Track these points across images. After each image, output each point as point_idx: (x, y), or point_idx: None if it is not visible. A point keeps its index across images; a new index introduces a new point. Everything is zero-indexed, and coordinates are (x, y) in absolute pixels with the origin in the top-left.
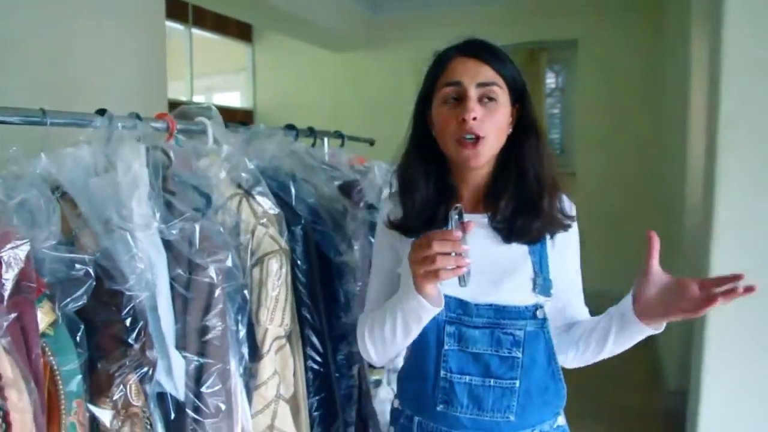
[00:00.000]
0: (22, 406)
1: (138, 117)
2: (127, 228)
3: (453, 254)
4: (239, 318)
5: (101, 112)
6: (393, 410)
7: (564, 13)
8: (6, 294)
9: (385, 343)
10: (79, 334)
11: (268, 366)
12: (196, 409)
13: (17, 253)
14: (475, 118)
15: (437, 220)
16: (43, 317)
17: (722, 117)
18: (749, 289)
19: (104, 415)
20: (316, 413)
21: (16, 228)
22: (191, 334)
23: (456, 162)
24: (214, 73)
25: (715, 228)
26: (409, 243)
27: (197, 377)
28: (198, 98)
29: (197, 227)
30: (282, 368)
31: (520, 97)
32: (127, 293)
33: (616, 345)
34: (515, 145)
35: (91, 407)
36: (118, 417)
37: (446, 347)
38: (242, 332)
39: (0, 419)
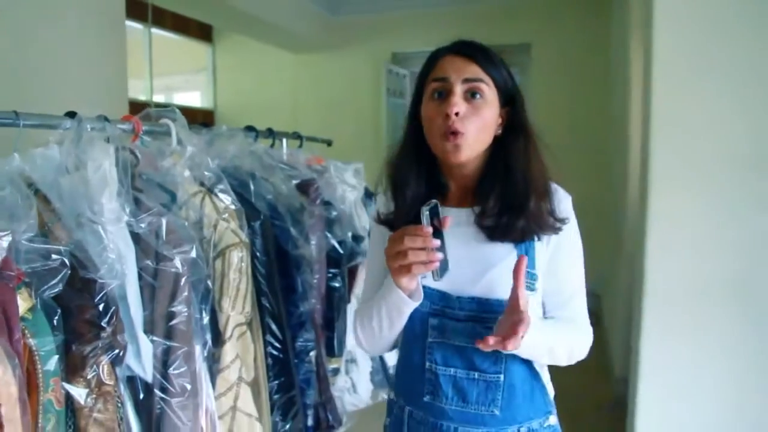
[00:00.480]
0: (7, 380)
1: (106, 119)
2: (98, 222)
3: (426, 249)
4: (203, 306)
5: (71, 114)
6: (389, 401)
7: (518, 18)
8: None
9: (373, 334)
10: (56, 318)
11: (230, 351)
12: (164, 389)
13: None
14: (457, 113)
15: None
16: (22, 303)
17: (654, 116)
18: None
19: (79, 393)
20: (276, 396)
21: None
22: (158, 320)
23: (439, 156)
24: (174, 73)
25: (648, 222)
26: None
27: (164, 360)
28: (158, 98)
29: (164, 221)
30: (243, 353)
31: (511, 100)
32: (99, 281)
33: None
34: (504, 146)
35: (67, 386)
36: (91, 395)
37: (430, 339)
38: (206, 319)
39: None
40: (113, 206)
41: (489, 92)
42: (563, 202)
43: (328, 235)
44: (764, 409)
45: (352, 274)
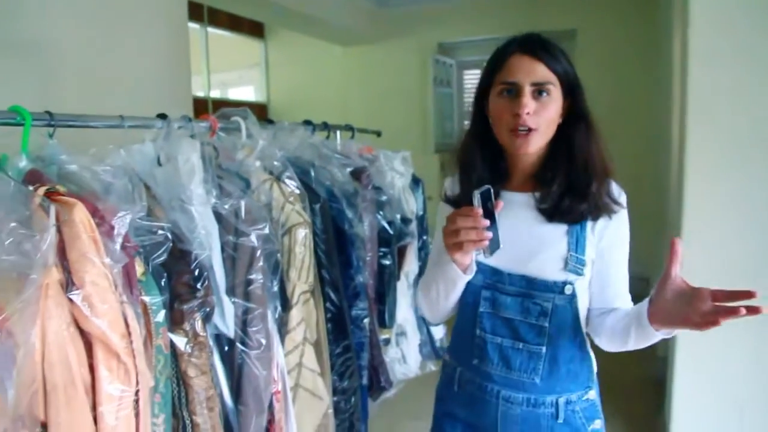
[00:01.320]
0: (135, 324)
1: (189, 119)
2: (189, 204)
3: (475, 228)
4: (273, 276)
5: (162, 116)
6: (444, 363)
7: (563, 4)
8: (118, 248)
9: (431, 303)
10: (162, 280)
11: (296, 315)
12: (244, 344)
13: (123, 221)
14: (528, 113)
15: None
16: (138, 268)
17: (690, 101)
18: (754, 310)
19: (180, 341)
20: (334, 357)
21: (118, 204)
22: (238, 286)
23: (508, 150)
24: (229, 69)
25: (685, 202)
26: None
27: (243, 319)
28: (214, 93)
29: (242, 204)
30: (307, 317)
31: (572, 90)
32: (193, 252)
33: (638, 342)
34: (566, 134)
35: (171, 335)
36: (189, 343)
37: (481, 309)
38: (275, 287)
39: (125, 329)
40: (200, 192)
41: (554, 90)
42: (620, 197)
43: (379, 216)
44: None
45: (401, 253)
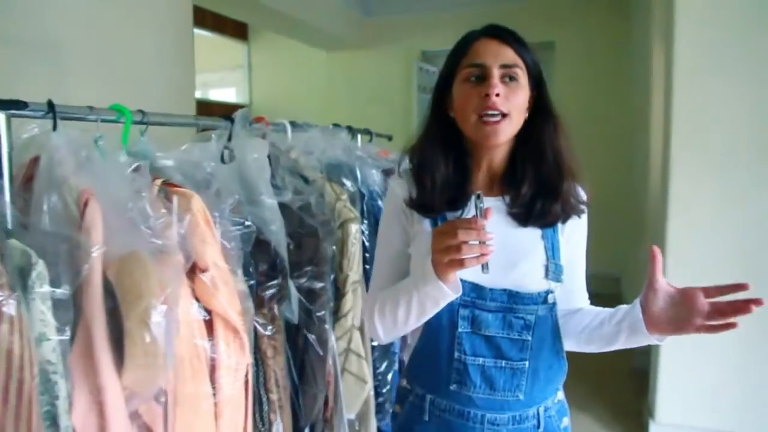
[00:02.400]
0: (248, 305)
1: (250, 122)
2: (262, 199)
3: (478, 243)
4: (330, 266)
5: (227, 117)
6: (400, 389)
7: (541, 17)
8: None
9: (396, 323)
10: (250, 268)
11: (347, 303)
12: (307, 327)
13: (222, 212)
14: (498, 95)
15: (459, 201)
16: None
17: (675, 112)
18: (756, 302)
19: (261, 322)
20: (374, 344)
21: (214, 197)
22: (303, 275)
23: (475, 140)
24: (210, 70)
25: (669, 204)
26: (422, 223)
27: (307, 305)
28: (196, 94)
29: (311, 199)
30: (356, 305)
31: (538, 84)
32: (271, 243)
33: (625, 345)
34: (534, 130)
35: (255, 318)
36: (268, 325)
37: (460, 329)
38: (331, 276)
39: (241, 307)
40: (269, 188)
41: (522, 76)
42: (580, 189)
43: None
44: (763, 367)
45: None
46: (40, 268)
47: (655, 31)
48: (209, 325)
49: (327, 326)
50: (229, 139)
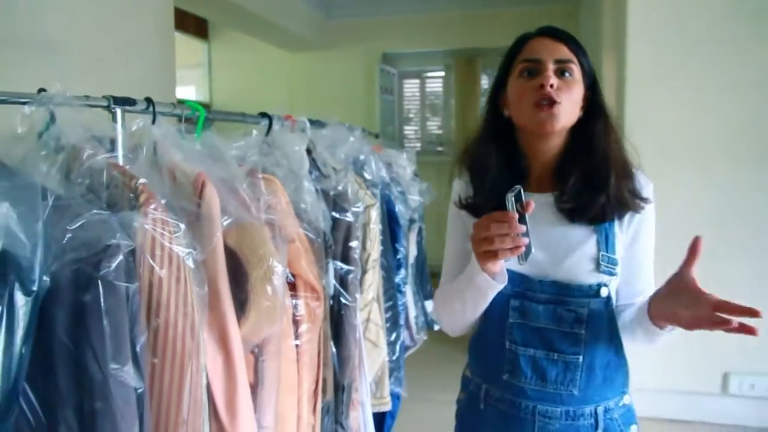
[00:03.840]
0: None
1: (283, 119)
2: (309, 186)
3: (511, 234)
4: (360, 245)
5: (264, 114)
6: (464, 378)
7: (497, 24)
8: None
9: (455, 316)
10: None
11: (369, 278)
12: (344, 298)
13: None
14: (552, 86)
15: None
16: None
17: (627, 118)
18: (748, 331)
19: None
20: (387, 314)
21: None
22: (339, 253)
23: (530, 130)
24: None
25: None
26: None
27: (343, 279)
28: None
29: (348, 187)
30: (374, 280)
31: (591, 83)
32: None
33: (645, 340)
34: (585, 128)
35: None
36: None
37: (510, 320)
38: (358, 253)
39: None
40: (309, 177)
41: (577, 71)
42: (645, 187)
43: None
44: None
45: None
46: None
47: (604, 37)
48: (292, 286)
49: (358, 296)
50: (267, 133)
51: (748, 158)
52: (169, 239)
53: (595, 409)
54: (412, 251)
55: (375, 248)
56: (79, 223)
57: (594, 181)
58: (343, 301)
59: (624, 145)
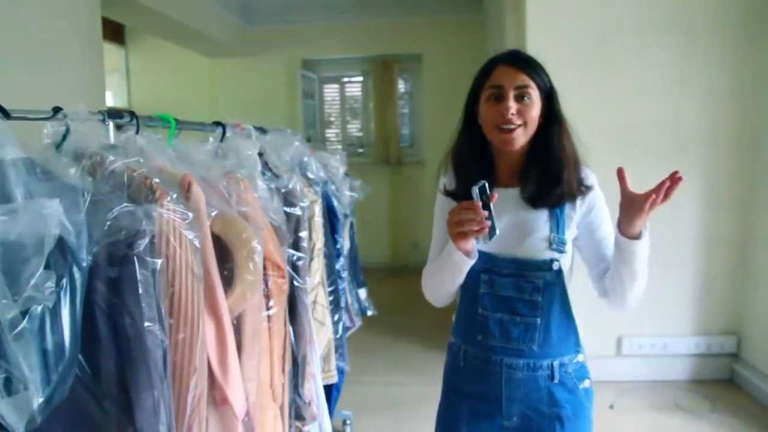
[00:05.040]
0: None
1: (232, 126)
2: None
3: (476, 219)
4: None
5: (217, 123)
6: (449, 343)
7: (411, 32)
8: None
9: (437, 287)
10: None
11: (315, 264)
12: (296, 281)
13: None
14: (513, 114)
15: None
16: None
17: None
18: (676, 178)
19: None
20: (330, 297)
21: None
22: (290, 242)
23: (496, 145)
24: None
25: None
26: None
27: (295, 264)
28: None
29: (297, 186)
30: (319, 267)
31: (548, 96)
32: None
33: (628, 271)
34: (544, 132)
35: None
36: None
37: (481, 291)
38: (306, 243)
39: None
40: (261, 177)
41: (534, 94)
42: (590, 177)
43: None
44: None
45: None
46: None
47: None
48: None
49: (307, 280)
50: (221, 139)
51: (642, 154)
52: (180, 225)
53: (552, 363)
54: (346, 244)
55: (319, 239)
56: (114, 214)
57: (551, 176)
58: (296, 283)
59: (575, 144)
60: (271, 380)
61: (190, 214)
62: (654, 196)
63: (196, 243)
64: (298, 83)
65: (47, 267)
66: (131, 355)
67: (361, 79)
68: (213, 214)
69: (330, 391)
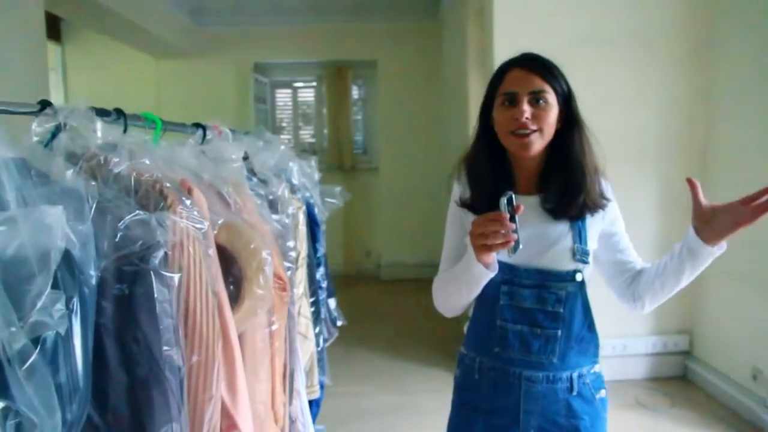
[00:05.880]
0: None
1: (209, 128)
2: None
3: (502, 231)
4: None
5: (197, 125)
6: (460, 355)
7: (365, 38)
8: None
9: (451, 298)
10: None
11: (299, 275)
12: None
13: None
14: (527, 118)
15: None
16: None
17: None
18: None
19: None
20: (311, 308)
21: None
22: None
23: (512, 152)
24: None
25: None
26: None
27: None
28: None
29: (286, 192)
30: (304, 277)
31: (567, 99)
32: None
33: (690, 277)
34: (563, 138)
35: None
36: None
37: (501, 302)
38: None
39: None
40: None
41: (550, 98)
42: (606, 187)
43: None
44: None
45: None
46: None
47: (470, 51)
48: None
49: (294, 291)
50: (202, 142)
51: (605, 162)
52: (196, 235)
53: (571, 375)
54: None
55: (304, 247)
56: (126, 223)
57: (572, 185)
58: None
59: (594, 149)
60: (273, 401)
61: (206, 223)
62: (759, 207)
63: (211, 253)
64: (251, 87)
65: (54, 286)
66: (147, 385)
67: (314, 84)
68: (219, 222)
69: (309, 407)
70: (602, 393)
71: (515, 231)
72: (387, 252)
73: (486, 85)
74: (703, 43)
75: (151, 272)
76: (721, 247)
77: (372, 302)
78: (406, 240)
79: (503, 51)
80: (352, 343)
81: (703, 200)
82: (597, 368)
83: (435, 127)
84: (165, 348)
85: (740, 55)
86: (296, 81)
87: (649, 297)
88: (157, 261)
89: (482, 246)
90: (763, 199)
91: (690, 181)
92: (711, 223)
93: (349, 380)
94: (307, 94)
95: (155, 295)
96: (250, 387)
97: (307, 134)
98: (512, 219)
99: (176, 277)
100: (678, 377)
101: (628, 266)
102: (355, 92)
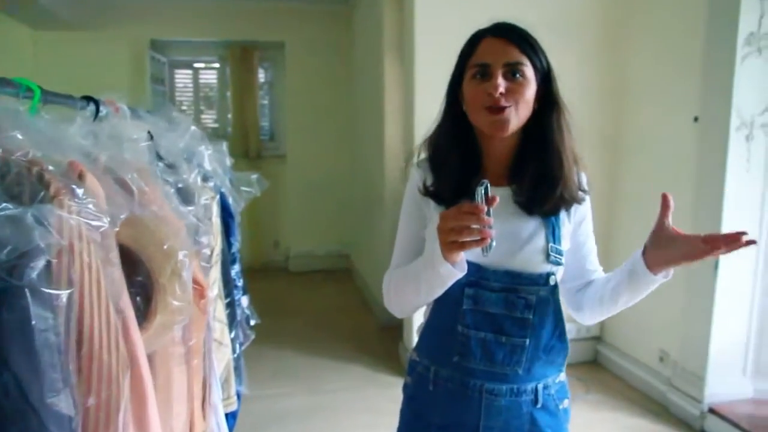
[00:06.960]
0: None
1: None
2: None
3: (478, 227)
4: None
5: (88, 98)
6: (410, 362)
7: (272, 18)
8: None
9: (407, 299)
10: None
11: (213, 274)
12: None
13: None
14: (501, 93)
15: (466, 191)
16: None
17: (416, 119)
18: (751, 242)
19: None
20: (226, 310)
21: None
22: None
23: (484, 130)
24: None
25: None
26: (437, 208)
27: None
28: None
29: (198, 179)
30: (218, 276)
31: (545, 77)
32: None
33: (629, 298)
34: (539, 120)
35: None
36: None
37: (464, 307)
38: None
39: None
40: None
41: (528, 72)
42: (583, 177)
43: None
44: None
45: None
46: None
47: (386, 40)
48: None
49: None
50: (95, 119)
51: None
52: (93, 236)
53: (536, 386)
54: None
55: (218, 242)
56: None
57: (548, 175)
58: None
59: (573, 136)
60: (191, 429)
61: (105, 219)
62: (717, 249)
63: (112, 259)
64: (147, 66)
65: None
66: None
67: (217, 65)
68: (121, 217)
69: (227, 419)
70: (565, 403)
71: (491, 227)
72: (296, 243)
73: (407, 69)
74: (613, 37)
75: (26, 290)
76: (666, 275)
77: (281, 296)
78: (315, 230)
79: (425, 34)
80: (262, 340)
81: (669, 222)
82: (562, 377)
83: (346, 113)
84: (50, 395)
85: (650, 48)
86: (197, 61)
87: (589, 311)
88: (34, 274)
89: (452, 243)
90: (722, 250)
91: (664, 197)
92: (664, 247)
93: (262, 382)
94: (210, 76)
95: (32, 323)
96: (165, 424)
97: (209, 119)
98: (487, 213)
99: (64, 295)
100: (589, 362)
101: (584, 272)
102: (262, 75)
